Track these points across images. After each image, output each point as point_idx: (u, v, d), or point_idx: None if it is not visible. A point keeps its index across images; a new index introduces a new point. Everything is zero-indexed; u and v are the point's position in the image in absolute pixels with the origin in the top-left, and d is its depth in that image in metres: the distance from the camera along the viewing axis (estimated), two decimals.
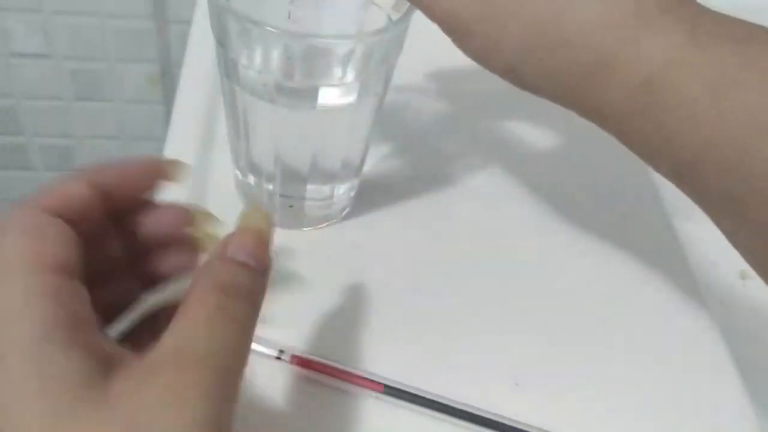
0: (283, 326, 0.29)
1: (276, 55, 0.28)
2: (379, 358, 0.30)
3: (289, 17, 0.31)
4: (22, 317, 0.19)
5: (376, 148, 0.38)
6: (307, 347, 0.29)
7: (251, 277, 0.22)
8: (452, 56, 0.29)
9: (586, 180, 0.40)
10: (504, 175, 0.40)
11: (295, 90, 0.29)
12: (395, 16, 0.30)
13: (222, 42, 0.29)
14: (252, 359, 0.28)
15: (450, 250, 0.35)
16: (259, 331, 0.29)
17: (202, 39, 0.45)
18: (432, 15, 0.27)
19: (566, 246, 0.37)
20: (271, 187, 0.34)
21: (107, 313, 0.24)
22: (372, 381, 0.28)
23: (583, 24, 0.25)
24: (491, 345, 0.31)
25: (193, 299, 0.21)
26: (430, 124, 0.42)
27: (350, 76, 0.29)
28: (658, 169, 0.27)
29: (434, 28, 0.27)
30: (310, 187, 0.33)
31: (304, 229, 0.35)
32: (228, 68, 0.30)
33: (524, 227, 0.37)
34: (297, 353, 0.28)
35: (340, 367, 0.28)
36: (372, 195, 0.36)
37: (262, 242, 0.23)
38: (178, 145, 0.37)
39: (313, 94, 0.29)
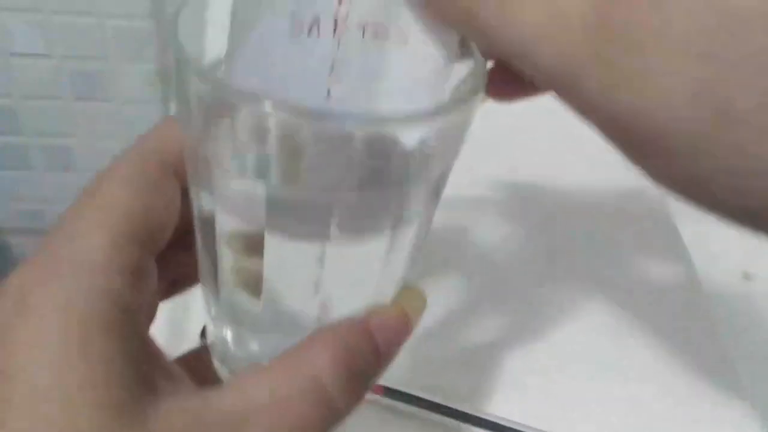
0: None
1: (267, 148, 0.18)
2: None
3: (328, 95, 0.19)
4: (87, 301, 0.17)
5: None
6: None
7: (374, 362, 0.20)
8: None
9: (590, 181, 0.40)
10: (505, 180, 0.40)
11: (298, 206, 0.19)
12: (458, 79, 0.19)
13: (188, 128, 0.19)
14: None
15: (451, 255, 0.35)
16: None
17: None
18: (531, 64, 0.16)
19: (568, 246, 0.36)
20: (256, 347, 0.23)
21: (170, 284, 0.23)
22: None
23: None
24: (490, 347, 0.31)
25: (301, 361, 0.18)
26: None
27: (384, 186, 0.18)
28: None
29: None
30: None
31: None
32: (197, 168, 0.19)
33: (523, 228, 0.37)
34: None
35: None
36: None
37: (404, 332, 0.21)
38: None
39: (325, 213, 0.19)
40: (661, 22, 0.14)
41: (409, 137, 0.17)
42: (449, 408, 0.28)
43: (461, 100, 0.17)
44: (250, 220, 0.19)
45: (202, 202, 0.20)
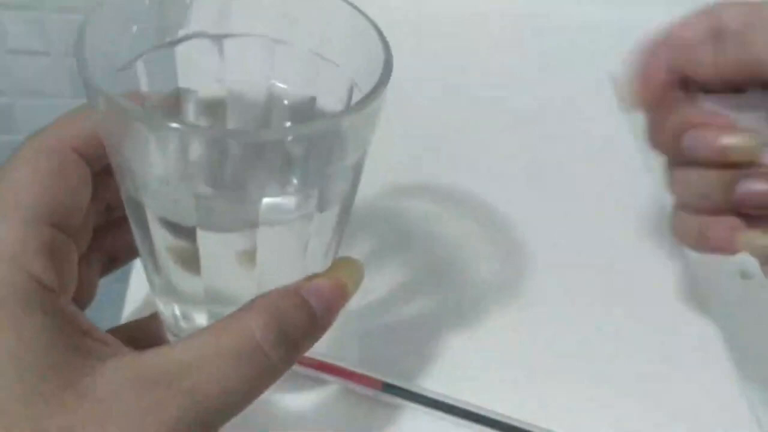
0: None
1: (193, 158, 0.18)
2: (377, 355, 0.29)
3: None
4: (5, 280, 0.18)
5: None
6: None
7: (308, 324, 0.21)
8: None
9: (586, 180, 0.40)
10: (507, 177, 0.40)
11: (226, 207, 0.21)
12: (365, 82, 0.21)
13: (110, 141, 0.20)
14: None
15: (447, 250, 0.35)
16: None
17: None
18: None
19: (565, 244, 0.36)
20: (203, 321, 0.24)
21: (108, 260, 0.24)
22: (370, 378, 0.28)
23: None
24: (490, 343, 0.31)
25: (237, 322, 0.20)
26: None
27: (304, 180, 0.20)
28: None
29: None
30: None
31: None
32: (120, 167, 0.20)
33: (520, 222, 0.37)
34: None
35: (338, 364, 0.28)
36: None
37: (340, 297, 0.22)
38: None
39: (251, 209, 0.20)
40: None
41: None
42: (447, 404, 0.28)
43: (368, 100, 0.19)
44: (179, 218, 0.20)
45: (129, 191, 0.21)
